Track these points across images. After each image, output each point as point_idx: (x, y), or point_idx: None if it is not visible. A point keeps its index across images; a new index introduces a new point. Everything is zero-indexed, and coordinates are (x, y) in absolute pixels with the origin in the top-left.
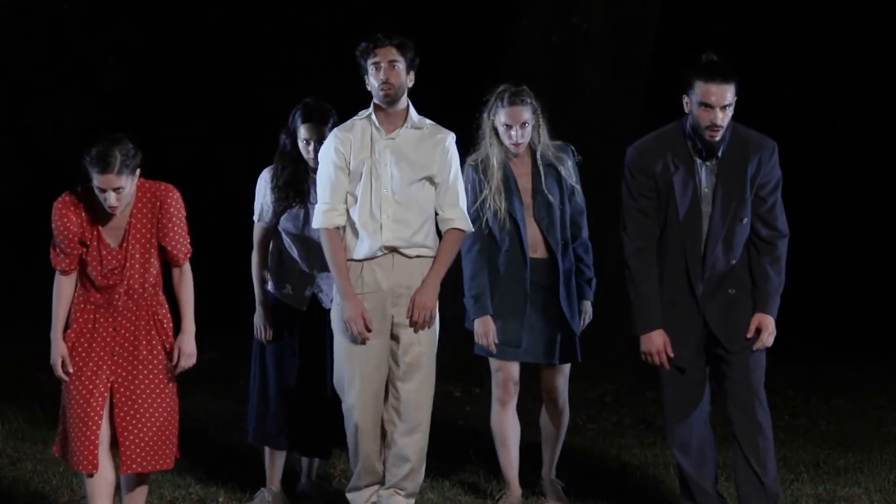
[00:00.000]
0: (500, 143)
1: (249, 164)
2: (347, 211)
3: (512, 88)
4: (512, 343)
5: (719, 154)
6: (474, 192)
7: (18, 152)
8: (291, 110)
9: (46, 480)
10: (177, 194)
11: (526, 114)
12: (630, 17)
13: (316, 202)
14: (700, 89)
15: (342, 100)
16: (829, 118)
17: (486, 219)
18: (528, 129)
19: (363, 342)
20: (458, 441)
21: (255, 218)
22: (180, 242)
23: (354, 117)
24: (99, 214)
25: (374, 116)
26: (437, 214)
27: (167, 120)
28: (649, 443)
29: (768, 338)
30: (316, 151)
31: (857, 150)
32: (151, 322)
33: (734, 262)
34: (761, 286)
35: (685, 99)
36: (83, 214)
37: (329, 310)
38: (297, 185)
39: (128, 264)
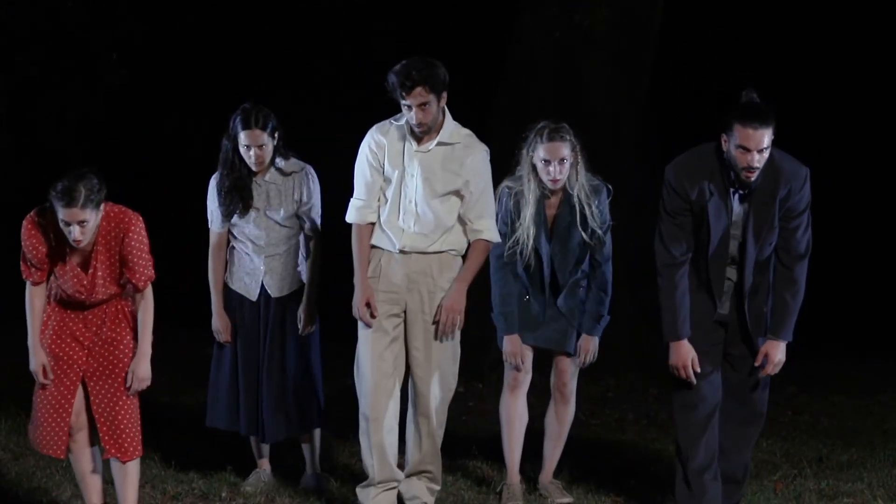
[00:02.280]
0: (538, 179)
1: None
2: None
3: (551, 125)
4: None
5: (752, 186)
6: (505, 219)
7: (20, 148)
8: (231, 116)
9: (49, 476)
10: (139, 224)
11: (565, 150)
12: (632, 13)
13: (261, 206)
14: (738, 132)
15: (344, 95)
16: (831, 113)
17: (517, 250)
18: (567, 165)
19: (375, 328)
20: (461, 436)
21: (209, 224)
22: (140, 271)
23: (392, 119)
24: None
25: (407, 127)
26: (464, 224)
27: (169, 116)
28: (651, 438)
29: (773, 368)
30: (257, 157)
31: (860, 146)
32: (121, 316)
33: (761, 279)
34: (777, 310)
35: (723, 137)
36: (51, 234)
37: (277, 298)
38: (240, 191)
39: (96, 288)
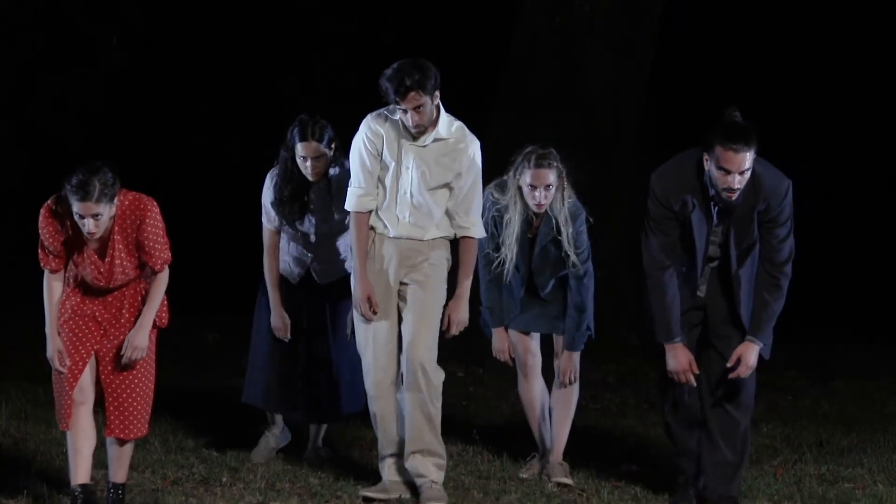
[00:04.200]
0: (524, 201)
1: (253, 148)
2: None
3: (539, 150)
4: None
5: (733, 205)
6: (486, 225)
7: (21, 135)
8: (290, 127)
9: (49, 461)
10: (155, 209)
11: (551, 176)
12: (633, 0)
13: (317, 211)
14: (720, 154)
15: (346, 87)
16: (832, 97)
17: (501, 267)
18: (552, 191)
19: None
20: (461, 421)
21: (264, 220)
22: (157, 256)
23: (387, 111)
24: None
25: (402, 123)
26: (451, 217)
27: (171, 101)
28: (652, 423)
29: (746, 371)
30: (314, 168)
31: (862, 131)
32: (140, 299)
33: (744, 271)
34: (757, 311)
35: (705, 156)
36: (68, 223)
37: (322, 285)
38: (299, 200)
39: (114, 275)
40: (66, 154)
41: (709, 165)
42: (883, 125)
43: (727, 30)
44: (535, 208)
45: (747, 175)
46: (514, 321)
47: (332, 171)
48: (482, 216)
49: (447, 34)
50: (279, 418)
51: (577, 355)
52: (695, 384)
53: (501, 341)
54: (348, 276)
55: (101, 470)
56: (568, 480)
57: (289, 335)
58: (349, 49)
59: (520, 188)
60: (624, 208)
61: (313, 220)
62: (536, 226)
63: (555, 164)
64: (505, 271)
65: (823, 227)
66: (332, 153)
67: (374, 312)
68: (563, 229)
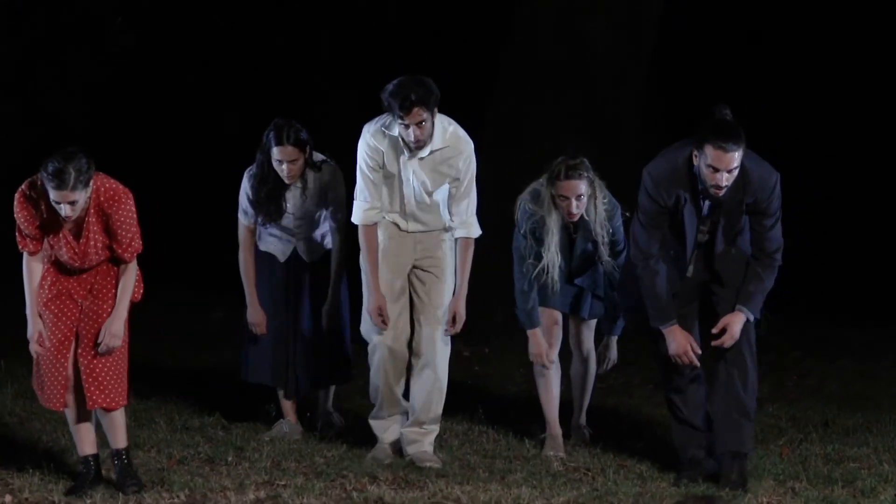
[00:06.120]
0: (558, 210)
1: (256, 129)
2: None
3: (569, 161)
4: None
5: (721, 200)
6: (524, 235)
7: (26, 113)
8: (265, 131)
9: (55, 440)
10: (130, 202)
11: (582, 187)
12: None
13: (293, 211)
14: (709, 153)
15: (348, 73)
16: (834, 84)
17: (543, 276)
18: (584, 199)
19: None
20: (467, 400)
21: (241, 217)
22: (127, 244)
23: (383, 127)
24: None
25: (400, 138)
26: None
27: (175, 81)
28: (657, 403)
29: (729, 341)
30: (290, 170)
31: (863, 115)
32: (112, 273)
33: (740, 258)
34: (747, 283)
35: (695, 152)
36: (43, 206)
37: (308, 262)
38: (276, 201)
39: (88, 256)
40: (71, 133)
41: (698, 162)
42: (890, 107)
43: (733, 9)
44: (568, 217)
45: (735, 172)
46: (548, 300)
47: (309, 173)
48: (520, 228)
49: (450, 15)
50: (289, 407)
51: (614, 340)
52: (697, 364)
53: (538, 345)
54: (329, 251)
55: (105, 449)
56: (561, 453)
57: (265, 330)
58: (348, 31)
59: (553, 197)
60: (630, 189)
61: (290, 219)
62: (574, 229)
63: (585, 174)
64: (549, 279)
65: (826, 204)
66: (307, 155)
67: (385, 323)
68: (598, 231)
